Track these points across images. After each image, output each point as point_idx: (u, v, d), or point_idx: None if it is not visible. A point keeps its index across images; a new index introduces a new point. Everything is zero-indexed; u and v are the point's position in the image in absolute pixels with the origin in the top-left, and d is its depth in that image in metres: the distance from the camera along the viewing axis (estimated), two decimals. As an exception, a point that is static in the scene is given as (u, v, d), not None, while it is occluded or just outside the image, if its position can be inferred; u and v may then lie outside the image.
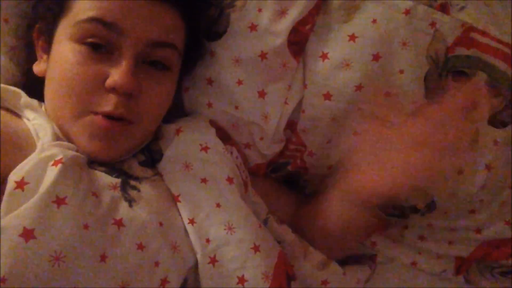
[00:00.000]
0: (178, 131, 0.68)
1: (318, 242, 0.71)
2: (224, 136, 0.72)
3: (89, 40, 0.59)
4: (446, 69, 0.68)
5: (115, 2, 0.58)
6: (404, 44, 0.67)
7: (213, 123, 0.72)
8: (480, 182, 0.72)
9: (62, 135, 0.61)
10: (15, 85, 0.67)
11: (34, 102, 0.64)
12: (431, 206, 0.76)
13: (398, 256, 0.82)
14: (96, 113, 0.59)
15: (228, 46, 0.70)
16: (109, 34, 0.59)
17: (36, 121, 0.61)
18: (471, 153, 0.71)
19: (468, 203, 0.74)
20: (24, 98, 0.63)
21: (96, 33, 0.59)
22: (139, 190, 0.61)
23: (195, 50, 0.70)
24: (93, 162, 0.60)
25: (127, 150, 0.64)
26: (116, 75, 0.58)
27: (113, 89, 0.58)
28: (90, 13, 0.58)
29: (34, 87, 0.65)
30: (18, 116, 0.63)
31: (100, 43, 0.59)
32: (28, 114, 0.62)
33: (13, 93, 0.63)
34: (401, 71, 0.68)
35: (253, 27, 0.68)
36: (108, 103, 0.59)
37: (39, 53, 0.67)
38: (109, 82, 0.58)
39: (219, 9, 0.69)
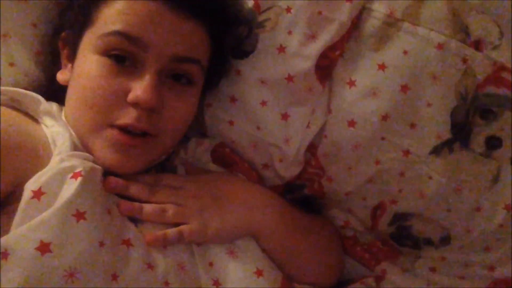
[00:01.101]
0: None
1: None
2: (228, 161, 0.73)
3: (113, 52, 0.58)
4: (474, 106, 0.67)
5: (140, 16, 0.58)
6: (434, 77, 0.66)
7: (218, 148, 0.73)
8: (498, 221, 0.71)
9: (80, 144, 0.61)
10: (39, 89, 0.67)
11: (54, 107, 0.63)
12: (445, 240, 0.75)
13: (408, 286, 0.81)
14: (116, 127, 0.59)
15: (255, 66, 0.69)
16: (133, 48, 0.58)
17: (54, 129, 0.60)
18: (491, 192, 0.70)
19: (484, 239, 0.74)
20: (44, 104, 0.62)
21: (120, 47, 0.58)
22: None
23: (220, 66, 0.69)
24: (107, 174, 0.60)
25: (145, 164, 0.63)
26: (139, 89, 0.57)
27: (135, 104, 0.58)
28: (115, 27, 0.58)
29: (57, 93, 0.65)
30: (37, 122, 0.62)
31: (124, 56, 0.58)
32: (47, 121, 0.61)
33: (33, 98, 0.62)
34: (429, 104, 0.67)
35: (281, 49, 0.67)
36: (129, 116, 0.58)
37: (64, 61, 0.66)
38: (131, 96, 0.58)
39: (248, 28, 0.68)
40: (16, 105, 0.62)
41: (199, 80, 0.65)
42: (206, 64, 0.65)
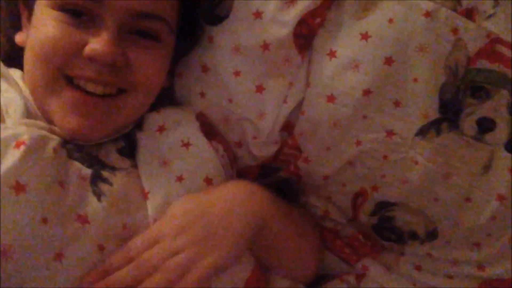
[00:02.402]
0: (161, 129, 0.63)
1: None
2: (211, 131, 0.66)
3: (69, 7, 0.55)
4: (465, 82, 0.61)
5: None
6: (421, 49, 0.60)
7: (200, 116, 0.67)
8: (489, 213, 0.65)
9: (39, 111, 0.57)
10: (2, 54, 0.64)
11: (11, 73, 0.59)
12: (432, 234, 0.69)
13: (391, 285, 0.74)
14: (75, 85, 0.55)
15: (229, 32, 0.64)
16: (89, 3, 0.55)
17: (7, 94, 0.56)
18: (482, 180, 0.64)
19: (474, 234, 0.67)
20: None
21: (75, 1, 0.55)
22: (110, 184, 0.56)
23: (191, 31, 0.64)
24: (67, 145, 0.55)
25: (109, 129, 0.59)
26: (96, 44, 0.54)
27: (93, 59, 0.54)
28: None
29: (18, 58, 0.61)
30: None
31: (80, 11, 0.55)
32: (1, 86, 0.57)
33: None
34: (415, 79, 0.61)
35: (257, 14, 0.62)
36: (91, 70, 0.54)
37: (24, 23, 0.63)
38: (87, 50, 0.54)
39: (222, -9, 0.63)
40: None
41: (166, 39, 0.60)
42: (174, 24, 0.61)
